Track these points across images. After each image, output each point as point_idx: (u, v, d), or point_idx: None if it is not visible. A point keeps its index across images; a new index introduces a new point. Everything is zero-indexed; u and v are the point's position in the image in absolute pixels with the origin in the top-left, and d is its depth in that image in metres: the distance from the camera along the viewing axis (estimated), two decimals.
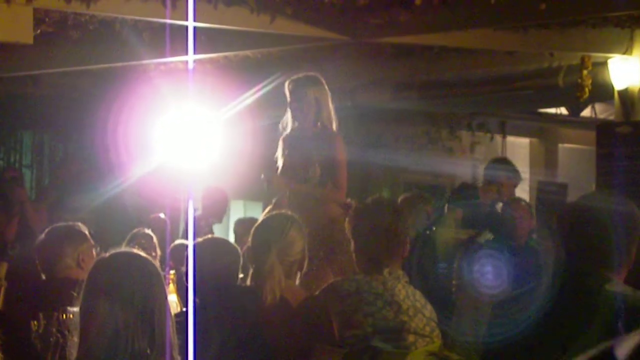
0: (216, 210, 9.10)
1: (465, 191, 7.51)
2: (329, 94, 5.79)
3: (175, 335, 3.05)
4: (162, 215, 8.11)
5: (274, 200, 6.15)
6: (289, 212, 4.71)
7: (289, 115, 5.84)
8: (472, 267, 6.25)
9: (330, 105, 5.78)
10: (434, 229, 6.91)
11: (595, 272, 3.17)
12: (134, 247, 3.27)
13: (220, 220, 9.26)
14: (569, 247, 3.26)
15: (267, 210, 7.36)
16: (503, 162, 7.87)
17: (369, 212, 4.27)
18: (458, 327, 5.45)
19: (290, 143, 5.78)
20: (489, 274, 5.86)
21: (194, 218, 8.53)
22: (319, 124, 5.75)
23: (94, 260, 4.78)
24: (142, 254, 3.11)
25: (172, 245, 6.58)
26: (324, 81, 5.82)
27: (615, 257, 3.18)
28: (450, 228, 6.91)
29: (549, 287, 3.24)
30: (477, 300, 5.81)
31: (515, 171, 7.59)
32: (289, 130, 5.82)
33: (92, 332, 2.96)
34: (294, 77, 5.81)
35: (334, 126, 5.77)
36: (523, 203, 7.14)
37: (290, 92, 5.78)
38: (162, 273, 3.08)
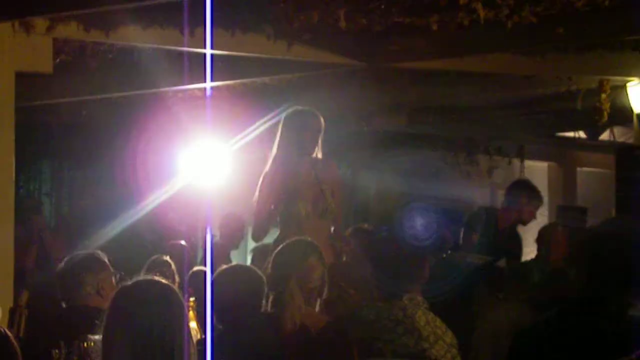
0: (233, 237, 9.12)
1: (483, 215, 7.47)
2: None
3: None
4: (182, 242, 8.12)
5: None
6: (308, 239, 4.71)
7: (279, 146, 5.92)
8: (491, 291, 6.23)
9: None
10: (450, 253, 6.89)
11: (617, 297, 3.15)
12: (154, 275, 3.27)
13: (237, 247, 9.27)
14: (590, 272, 3.25)
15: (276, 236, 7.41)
16: (524, 184, 7.81)
17: (388, 239, 4.27)
18: (477, 355, 5.42)
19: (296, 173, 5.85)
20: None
21: (212, 244, 8.53)
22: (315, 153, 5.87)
23: (113, 288, 4.81)
24: (164, 281, 3.10)
25: (191, 271, 6.58)
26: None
27: (637, 283, 3.16)
28: (467, 253, 6.89)
29: (572, 313, 3.23)
30: (497, 327, 5.78)
31: (537, 194, 7.53)
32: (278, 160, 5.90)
33: None
34: (292, 109, 5.94)
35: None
36: (560, 228, 7.07)
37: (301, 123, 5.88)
38: (183, 301, 3.07)
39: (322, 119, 5.95)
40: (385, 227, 7.66)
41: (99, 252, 5.07)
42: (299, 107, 6.00)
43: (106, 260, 4.99)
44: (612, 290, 3.17)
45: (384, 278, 4.17)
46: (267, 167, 6.02)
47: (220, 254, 8.43)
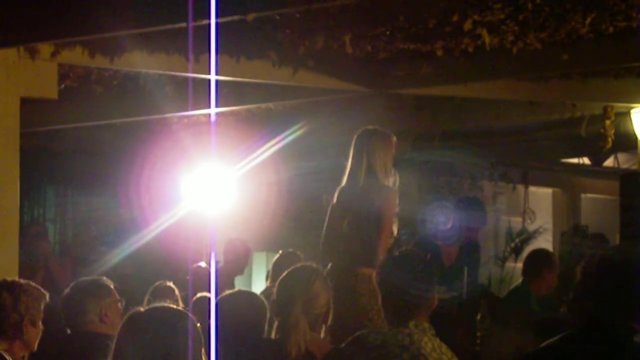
0: (238, 263, 9.10)
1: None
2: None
3: None
4: (203, 264, 8.09)
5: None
6: (314, 265, 4.70)
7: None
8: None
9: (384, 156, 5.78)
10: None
11: (622, 323, 3.14)
12: (158, 301, 3.25)
13: (242, 273, 9.26)
14: (596, 298, 3.24)
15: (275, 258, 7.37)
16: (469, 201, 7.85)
17: (396, 264, 4.25)
18: None
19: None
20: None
21: (216, 270, 8.52)
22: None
23: (119, 314, 4.80)
24: (176, 308, 3.08)
25: (195, 297, 6.56)
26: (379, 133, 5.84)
27: None
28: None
29: (577, 338, 3.21)
30: (501, 351, 5.76)
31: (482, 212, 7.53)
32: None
33: None
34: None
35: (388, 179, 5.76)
36: (556, 256, 7.11)
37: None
38: (198, 327, 3.05)
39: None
40: (405, 231, 7.63)
41: (104, 278, 5.07)
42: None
43: (111, 286, 4.98)
44: (619, 315, 3.16)
45: (392, 303, 4.15)
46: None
47: (224, 280, 8.41)
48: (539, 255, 7.10)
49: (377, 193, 5.70)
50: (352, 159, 5.82)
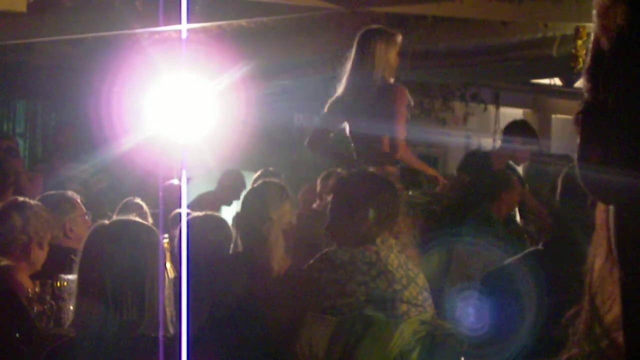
0: (232, 193, 9.23)
1: (477, 158, 7.48)
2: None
3: (171, 306, 3.06)
4: (175, 182, 8.10)
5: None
6: (280, 182, 4.73)
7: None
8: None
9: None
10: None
11: (582, 238, 3.19)
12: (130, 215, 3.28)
13: (230, 204, 9.34)
14: (555, 214, 3.30)
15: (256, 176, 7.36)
16: (519, 126, 7.87)
17: (357, 182, 4.27)
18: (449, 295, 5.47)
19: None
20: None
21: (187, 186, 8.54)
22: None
23: (86, 228, 4.82)
24: (140, 221, 3.11)
25: (172, 215, 6.58)
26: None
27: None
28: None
29: (539, 254, 3.27)
30: (469, 269, 5.83)
31: (533, 136, 7.58)
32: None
33: (86, 300, 2.97)
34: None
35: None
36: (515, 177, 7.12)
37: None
38: (158, 242, 3.08)
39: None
40: None
41: (70, 192, 5.06)
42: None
43: (78, 200, 4.98)
44: (578, 230, 3.20)
45: (358, 221, 4.18)
46: None
47: (215, 206, 8.47)
48: (497, 178, 7.10)
49: (390, 90, 5.63)
50: (357, 58, 5.68)
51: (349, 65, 5.66)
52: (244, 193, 4.67)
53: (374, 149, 5.54)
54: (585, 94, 1.48)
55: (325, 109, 5.71)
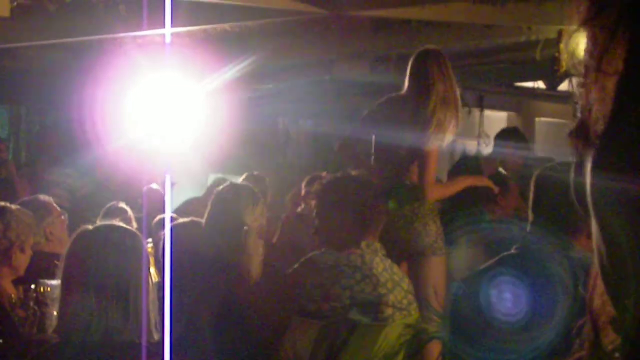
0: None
1: (467, 163, 7.49)
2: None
3: (155, 311, 3.05)
4: (154, 186, 8.06)
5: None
6: (250, 185, 4.65)
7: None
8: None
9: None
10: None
11: (558, 238, 3.19)
12: (114, 220, 3.26)
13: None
14: (531, 214, 3.31)
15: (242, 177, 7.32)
16: (511, 133, 7.88)
17: (340, 186, 4.27)
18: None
19: None
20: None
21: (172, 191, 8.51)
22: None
23: (63, 228, 4.80)
24: (124, 226, 3.09)
25: (157, 219, 6.55)
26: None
27: (577, 224, 3.18)
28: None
29: (514, 259, 3.26)
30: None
31: (524, 143, 7.58)
32: None
33: (70, 305, 2.96)
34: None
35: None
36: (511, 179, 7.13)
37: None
38: (142, 247, 3.07)
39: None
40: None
41: (45, 196, 5.03)
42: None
43: (51, 201, 4.94)
44: (554, 231, 3.20)
45: (342, 225, 4.18)
46: None
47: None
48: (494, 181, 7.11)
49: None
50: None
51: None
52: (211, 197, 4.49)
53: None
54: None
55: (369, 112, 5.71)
